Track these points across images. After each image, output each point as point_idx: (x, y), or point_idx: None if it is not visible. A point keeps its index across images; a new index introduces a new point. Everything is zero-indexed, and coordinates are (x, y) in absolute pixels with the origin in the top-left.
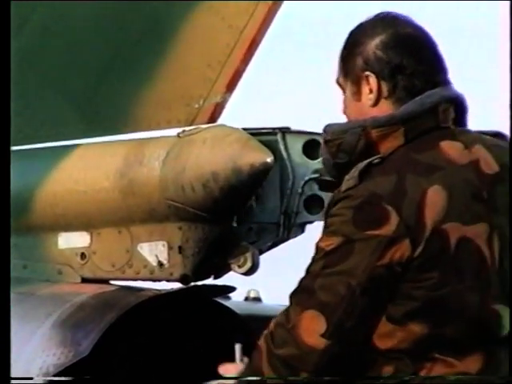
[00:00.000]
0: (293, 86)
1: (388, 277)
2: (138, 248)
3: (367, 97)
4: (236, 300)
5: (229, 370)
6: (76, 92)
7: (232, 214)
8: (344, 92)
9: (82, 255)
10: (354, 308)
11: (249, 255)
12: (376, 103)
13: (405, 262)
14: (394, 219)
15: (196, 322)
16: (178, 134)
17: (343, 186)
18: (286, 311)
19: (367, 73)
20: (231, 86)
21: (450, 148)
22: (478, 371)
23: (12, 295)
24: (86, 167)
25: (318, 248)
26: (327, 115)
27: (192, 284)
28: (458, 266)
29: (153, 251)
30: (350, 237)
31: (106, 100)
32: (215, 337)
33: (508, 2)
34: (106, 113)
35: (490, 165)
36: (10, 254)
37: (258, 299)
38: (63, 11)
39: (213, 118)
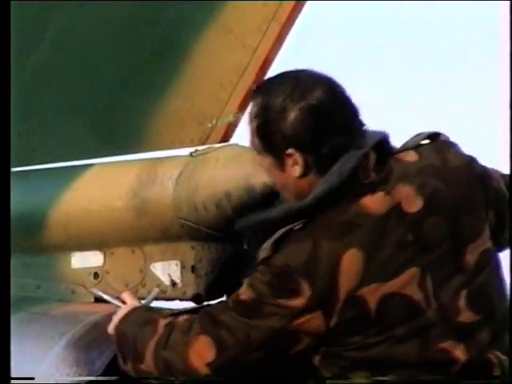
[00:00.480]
0: None
1: (292, 340)
2: (151, 267)
3: (291, 168)
4: None
5: (125, 298)
6: (90, 112)
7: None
8: (260, 155)
9: (96, 275)
10: (246, 356)
11: None
12: (303, 175)
13: (317, 332)
14: (306, 292)
15: None
16: (191, 153)
17: (260, 255)
18: (191, 322)
19: (290, 150)
20: (243, 106)
21: (370, 201)
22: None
23: (25, 315)
24: (99, 187)
25: (237, 292)
26: None
27: (205, 303)
28: (383, 324)
29: (166, 270)
30: (262, 298)
31: (119, 119)
32: None
33: (508, 2)
34: (119, 132)
35: (412, 202)
36: (23, 273)
37: None
38: (77, 32)
39: (225, 138)
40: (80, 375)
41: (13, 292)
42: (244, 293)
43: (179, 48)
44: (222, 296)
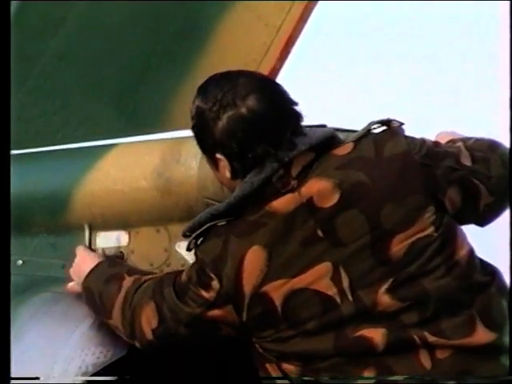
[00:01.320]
0: (328, 84)
1: (212, 328)
2: (176, 247)
3: (224, 170)
4: None
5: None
6: (114, 91)
7: None
8: None
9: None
10: (178, 331)
11: None
12: (233, 178)
13: (233, 324)
14: (216, 287)
15: None
16: None
17: (188, 246)
18: (149, 286)
19: (218, 155)
20: None
21: (277, 202)
22: (378, 378)
23: (50, 295)
24: (123, 167)
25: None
26: (363, 112)
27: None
28: (292, 319)
29: None
30: (189, 283)
31: (143, 98)
32: None
33: (508, 2)
34: (143, 111)
35: (327, 197)
36: (48, 254)
37: None
38: (100, 10)
39: None
40: (105, 355)
41: (38, 272)
42: (183, 274)
43: (203, 28)
44: None
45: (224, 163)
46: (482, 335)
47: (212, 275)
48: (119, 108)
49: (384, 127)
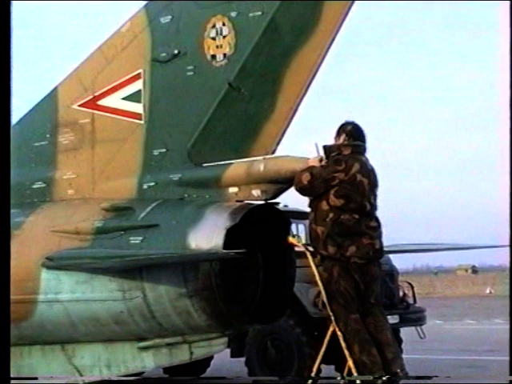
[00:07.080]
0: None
1: (331, 179)
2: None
3: (340, 139)
4: (280, 206)
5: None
6: (224, 138)
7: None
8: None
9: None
10: (317, 182)
11: None
12: (343, 141)
13: (341, 178)
14: (343, 167)
15: (269, 215)
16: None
17: (333, 157)
18: (302, 172)
19: (343, 135)
20: (277, 145)
21: (362, 159)
22: (357, 219)
23: (214, 206)
24: (231, 172)
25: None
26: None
27: (266, 202)
28: (357, 189)
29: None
30: (328, 166)
31: (234, 144)
32: (275, 219)
33: (508, 2)
34: (236, 149)
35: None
36: (209, 198)
37: (285, 206)
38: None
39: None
40: (226, 227)
41: (205, 201)
42: (318, 170)
43: (252, 126)
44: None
45: (341, 137)
46: None
47: (343, 164)
48: (226, 147)
49: None
